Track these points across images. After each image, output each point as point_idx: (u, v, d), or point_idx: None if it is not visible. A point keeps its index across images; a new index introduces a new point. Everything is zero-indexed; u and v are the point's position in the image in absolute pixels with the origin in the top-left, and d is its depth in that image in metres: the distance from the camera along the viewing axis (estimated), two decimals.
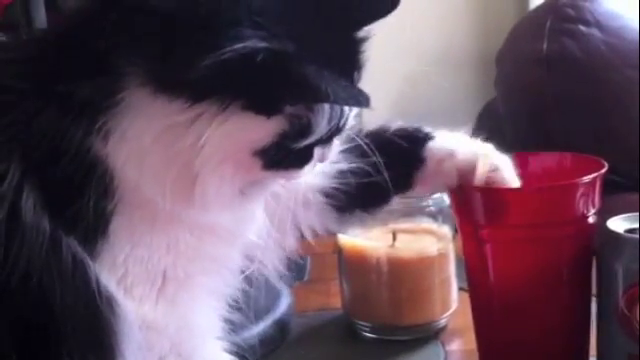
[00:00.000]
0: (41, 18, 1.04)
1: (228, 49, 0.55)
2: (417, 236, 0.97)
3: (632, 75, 1.24)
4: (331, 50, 0.60)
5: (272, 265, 0.74)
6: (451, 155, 0.75)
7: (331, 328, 1.01)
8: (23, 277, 0.58)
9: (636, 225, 0.74)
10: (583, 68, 1.26)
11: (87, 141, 0.59)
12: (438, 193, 0.95)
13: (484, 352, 0.83)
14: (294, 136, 0.60)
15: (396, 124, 0.77)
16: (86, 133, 0.59)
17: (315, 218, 0.74)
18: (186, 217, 0.63)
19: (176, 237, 0.64)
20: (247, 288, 0.73)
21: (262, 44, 0.56)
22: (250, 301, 0.74)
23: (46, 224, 0.59)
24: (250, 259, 0.72)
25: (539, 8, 1.40)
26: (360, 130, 0.74)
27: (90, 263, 0.60)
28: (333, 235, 0.94)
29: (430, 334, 0.96)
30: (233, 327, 0.71)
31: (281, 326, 0.97)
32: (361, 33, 0.64)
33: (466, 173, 0.75)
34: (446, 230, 0.96)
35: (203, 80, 0.56)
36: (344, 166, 0.73)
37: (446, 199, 0.93)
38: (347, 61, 0.62)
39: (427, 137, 0.76)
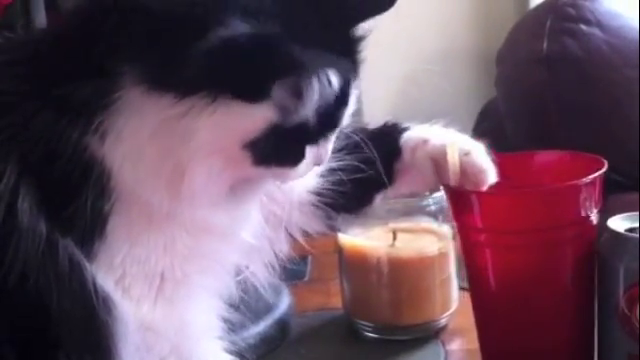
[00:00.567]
0: (41, 18, 1.04)
1: (211, 35, 0.55)
2: (417, 235, 0.97)
3: (633, 74, 1.24)
4: (325, 47, 0.60)
5: (262, 271, 0.74)
6: (424, 142, 0.76)
7: (331, 328, 1.01)
8: (20, 279, 0.58)
9: (636, 224, 0.74)
10: (584, 67, 1.25)
11: (84, 141, 0.60)
12: (437, 193, 0.95)
13: (487, 354, 0.82)
14: (284, 129, 0.60)
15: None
16: (82, 133, 0.59)
17: (305, 219, 0.74)
18: (181, 215, 0.63)
19: (172, 236, 0.64)
20: (244, 292, 0.73)
21: (244, 29, 0.56)
22: (250, 301, 0.74)
23: (42, 226, 0.59)
24: (243, 264, 0.72)
25: (539, 7, 1.40)
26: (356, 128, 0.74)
27: (87, 265, 0.61)
28: (332, 234, 0.94)
29: (430, 334, 0.96)
30: (233, 327, 0.71)
31: (281, 326, 0.97)
32: (358, 31, 0.64)
33: (439, 161, 0.75)
34: (446, 229, 0.96)
35: (190, 72, 0.56)
36: (332, 164, 0.74)
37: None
38: (342, 57, 0.62)
39: (404, 130, 0.77)
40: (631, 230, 0.73)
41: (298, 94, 0.59)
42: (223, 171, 0.62)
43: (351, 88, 0.64)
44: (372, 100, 1.49)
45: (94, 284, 0.60)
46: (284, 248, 0.75)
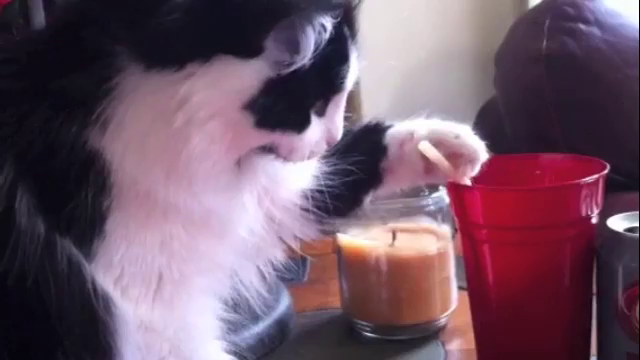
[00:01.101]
0: (40, 18, 1.04)
1: None
2: (417, 235, 0.97)
3: (632, 74, 1.24)
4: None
5: (255, 280, 0.74)
6: (411, 135, 0.75)
7: (330, 328, 1.01)
8: (18, 279, 0.58)
9: (636, 224, 0.74)
10: (582, 67, 1.25)
11: (83, 135, 0.59)
12: (437, 193, 0.95)
13: (483, 353, 0.82)
14: (282, 85, 0.59)
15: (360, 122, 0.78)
16: (82, 127, 0.59)
17: (297, 224, 0.74)
18: (183, 206, 0.62)
19: (170, 234, 0.63)
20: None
21: None
22: (249, 301, 0.74)
23: (41, 226, 0.59)
24: (237, 270, 0.71)
25: (538, 7, 1.40)
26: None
27: (86, 264, 0.60)
28: (331, 235, 0.94)
29: (430, 333, 0.96)
30: (232, 327, 0.71)
31: (281, 326, 0.97)
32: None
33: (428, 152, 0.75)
34: (446, 229, 0.96)
35: (178, 33, 0.56)
36: (324, 168, 0.73)
37: (446, 198, 0.92)
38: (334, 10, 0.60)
39: (387, 128, 0.77)
40: (630, 230, 0.73)
41: (293, 44, 0.58)
42: (224, 136, 0.60)
43: (349, 47, 0.63)
44: (371, 99, 1.49)
45: (93, 284, 0.60)
46: (278, 254, 0.74)
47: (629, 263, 0.71)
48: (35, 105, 0.59)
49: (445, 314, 0.97)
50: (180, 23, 0.56)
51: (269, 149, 0.64)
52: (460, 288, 0.96)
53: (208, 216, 0.65)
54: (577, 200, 0.75)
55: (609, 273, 0.73)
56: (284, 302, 1.00)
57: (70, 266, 0.59)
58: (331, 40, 0.59)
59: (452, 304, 0.97)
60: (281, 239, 0.74)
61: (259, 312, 0.78)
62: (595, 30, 1.27)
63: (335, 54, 0.61)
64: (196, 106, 0.58)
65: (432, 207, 0.97)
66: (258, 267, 0.74)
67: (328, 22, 0.59)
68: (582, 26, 1.27)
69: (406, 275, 0.94)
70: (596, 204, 0.76)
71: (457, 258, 0.94)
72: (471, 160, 0.75)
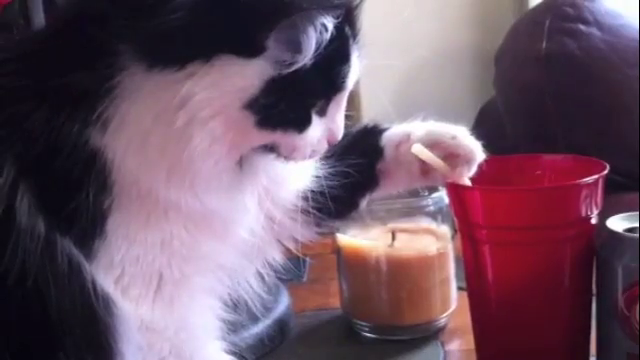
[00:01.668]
0: (40, 18, 1.04)
1: None
2: (416, 236, 0.97)
3: (632, 74, 1.24)
4: None
5: (253, 282, 0.74)
6: (407, 136, 0.76)
7: (330, 328, 1.01)
8: (19, 279, 0.58)
9: (636, 224, 0.74)
10: (582, 67, 1.25)
11: (85, 134, 0.59)
12: (436, 193, 0.95)
13: (483, 353, 0.82)
14: (283, 84, 0.58)
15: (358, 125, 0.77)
16: (83, 125, 0.59)
17: (295, 226, 0.73)
18: (184, 205, 0.62)
19: (170, 233, 0.63)
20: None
21: None
22: (248, 302, 0.74)
23: (41, 226, 0.59)
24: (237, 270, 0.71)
25: (538, 7, 1.40)
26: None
27: (86, 264, 0.60)
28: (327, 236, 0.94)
29: (429, 334, 0.96)
30: (232, 327, 0.71)
31: (280, 326, 0.97)
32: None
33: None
34: (445, 230, 0.96)
35: (180, 33, 0.56)
36: (322, 171, 0.73)
37: (445, 199, 0.92)
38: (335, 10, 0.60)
39: (383, 130, 0.77)
40: (630, 230, 0.73)
41: (294, 44, 0.58)
42: (225, 135, 0.60)
43: (351, 46, 0.63)
44: (370, 99, 1.49)
45: (93, 283, 0.60)
46: (276, 255, 0.74)
47: (629, 263, 0.71)
48: (37, 104, 0.59)
49: (445, 314, 0.97)
50: (182, 22, 0.56)
51: (270, 148, 0.64)
52: (460, 288, 0.96)
53: (209, 216, 0.64)
54: (577, 200, 0.75)
55: (609, 273, 0.73)
56: (284, 302, 1.00)
57: (70, 266, 0.59)
58: (332, 40, 0.59)
59: (452, 304, 0.97)
60: (279, 240, 0.74)
61: (258, 313, 0.79)
62: (595, 31, 1.27)
63: (336, 54, 0.61)
64: (197, 106, 0.58)
65: (432, 207, 0.97)
66: (257, 268, 0.74)
67: (329, 22, 0.59)
68: (582, 26, 1.27)
69: (406, 275, 0.94)
70: (596, 204, 0.76)
71: (457, 258, 0.94)
72: (468, 160, 0.75)
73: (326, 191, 0.72)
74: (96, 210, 0.60)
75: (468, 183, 0.77)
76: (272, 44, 0.58)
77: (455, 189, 0.78)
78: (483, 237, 0.77)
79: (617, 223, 0.74)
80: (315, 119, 0.63)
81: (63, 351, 0.60)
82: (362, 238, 0.97)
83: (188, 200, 0.62)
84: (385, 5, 1.23)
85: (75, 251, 0.60)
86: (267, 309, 0.95)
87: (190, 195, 0.62)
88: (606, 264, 0.74)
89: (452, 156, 0.75)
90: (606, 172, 0.76)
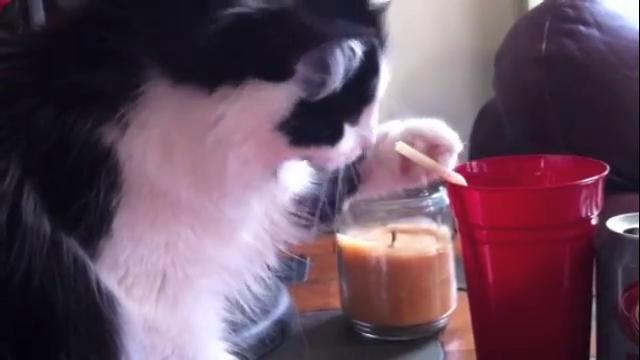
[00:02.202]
0: (40, 18, 1.04)
1: (223, 14, 0.55)
2: (416, 236, 0.97)
3: (631, 75, 1.24)
4: (343, 17, 0.59)
5: (252, 284, 0.74)
6: (385, 135, 0.76)
7: (330, 328, 1.01)
8: (24, 278, 0.58)
9: (636, 225, 0.74)
10: (582, 68, 1.25)
11: (96, 132, 0.59)
12: (436, 193, 0.95)
13: (483, 354, 0.82)
14: (312, 105, 0.59)
15: None
16: (96, 124, 0.59)
17: (290, 228, 0.74)
18: (203, 212, 0.62)
19: (177, 234, 0.63)
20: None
21: (256, 5, 0.55)
22: (247, 304, 0.74)
23: (47, 225, 0.58)
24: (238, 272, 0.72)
25: (538, 8, 1.40)
26: None
27: (90, 263, 0.60)
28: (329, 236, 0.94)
29: (429, 334, 0.96)
30: (233, 327, 0.71)
31: (281, 326, 0.97)
32: (373, 5, 0.63)
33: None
34: (445, 230, 0.96)
35: (210, 57, 0.56)
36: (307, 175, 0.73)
37: (445, 199, 0.93)
38: (363, 26, 0.61)
39: None
40: (630, 231, 0.74)
41: (323, 67, 0.58)
42: (257, 157, 0.60)
43: (379, 57, 0.64)
44: None
45: (97, 283, 0.60)
46: (273, 258, 0.74)
47: (629, 264, 0.71)
48: (42, 100, 0.58)
49: (445, 315, 0.97)
50: (213, 45, 0.56)
51: (302, 158, 0.66)
52: (460, 289, 0.96)
53: (220, 220, 0.65)
54: (577, 201, 0.75)
55: (609, 274, 0.73)
56: (284, 302, 1.00)
57: (76, 265, 0.59)
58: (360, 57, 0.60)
59: (452, 305, 0.97)
60: (277, 243, 0.74)
61: (258, 313, 0.79)
62: (595, 32, 1.27)
63: (366, 69, 0.61)
64: (229, 130, 0.58)
65: (432, 208, 0.97)
66: (257, 270, 0.74)
67: (357, 47, 0.59)
68: (582, 28, 1.27)
69: (406, 276, 0.94)
70: (596, 205, 0.76)
71: (457, 259, 0.94)
72: (449, 149, 0.76)
73: (315, 194, 0.72)
74: (104, 208, 0.60)
75: (457, 176, 0.77)
76: (301, 68, 0.58)
77: (455, 189, 0.78)
78: (483, 237, 0.77)
79: (617, 224, 0.74)
80: (348, 129, 0.63)
81: (67, 351, 0.60)
82: (362, 239, 0.97)
83: (209, 208, 0.63)
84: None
85: (80, 250, 0.60)
86: (267, 309, 0.95)
87: (213, 205, 0.63)
88: (606, 265, 0.74)
89: (432, 148, 0.76)
90: (606, 173, 0.76)
